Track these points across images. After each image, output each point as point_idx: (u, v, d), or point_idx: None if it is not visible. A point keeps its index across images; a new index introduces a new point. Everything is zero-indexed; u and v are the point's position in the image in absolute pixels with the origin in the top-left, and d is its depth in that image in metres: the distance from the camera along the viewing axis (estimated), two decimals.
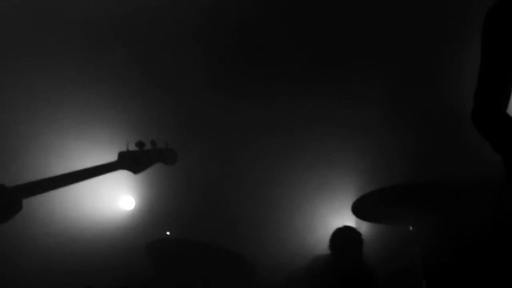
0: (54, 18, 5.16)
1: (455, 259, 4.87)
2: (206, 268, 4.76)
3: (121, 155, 3.59)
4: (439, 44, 5.23)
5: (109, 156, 3.65)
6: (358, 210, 4.89)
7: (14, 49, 5.13)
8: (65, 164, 4.39)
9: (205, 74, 5.44)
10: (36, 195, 3.39)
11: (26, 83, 5.20)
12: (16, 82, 5.16)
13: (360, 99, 5.42)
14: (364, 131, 5.41)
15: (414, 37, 5.20)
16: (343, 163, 5.51)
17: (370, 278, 4.26)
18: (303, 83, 5.52)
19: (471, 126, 2.46)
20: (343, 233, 4.84)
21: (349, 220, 5.12)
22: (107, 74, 5.32)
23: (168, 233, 5.24)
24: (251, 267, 4.77)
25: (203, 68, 5.40)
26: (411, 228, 4.71)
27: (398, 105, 5.41)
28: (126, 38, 5.33)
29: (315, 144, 5.56)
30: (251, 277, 4.80)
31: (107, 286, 2.34)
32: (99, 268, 4.68)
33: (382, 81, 5.37)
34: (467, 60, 4.75)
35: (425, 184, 4.63)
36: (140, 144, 3.58)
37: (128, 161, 3.58)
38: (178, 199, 5.30)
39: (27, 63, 5.17)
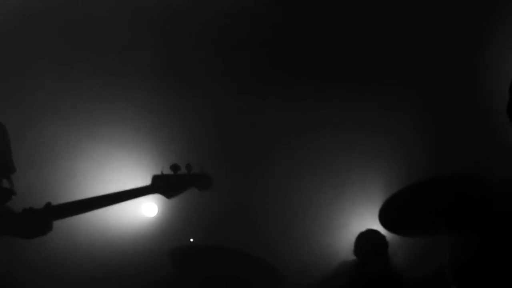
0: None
1: (485, 264, 4.79)
2: (231, 274, 4.73)
3: (155, 179, 3.54)
4: (468, 38, 5.17)
5: (144, 179, 3.63)
6: (385, 218, 4.81)
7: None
8: (98, 186, 4.49)
9: (238, 97, 5.51)
10: (67, 217, 3.42)
11: (55, 107, 5.30)
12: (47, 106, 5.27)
13: (387, 101, 5.38)
14: (388, 132, 5.38)
15: (440, 31, 5.14)
16: (368, 166, 5.47)
17: (398, 283, 4.19)
18: (326, 86, 5.50)
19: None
20: (367, 237, 4.78)
21: (375, 223, 5.03)
22: (140, 97, 5.39)
23: (191, 240, 5.22)
24: (277, 273, 4.73)
25: (236, 92, 5.50)
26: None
27: (426, 105, 5.36)
28: (156, 57, 5.39)
29: (339, 148, 5.54)
30: (277, 283, 4.76)
31: None
32: (121, 274, 4.69)
33: (410, 84, 5.34)
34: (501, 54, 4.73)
35: (456, 186, 4.50)
36: (174, 167, 3.52)
37: (162, 186, 3.53)
38: (201, 205, 5.25)
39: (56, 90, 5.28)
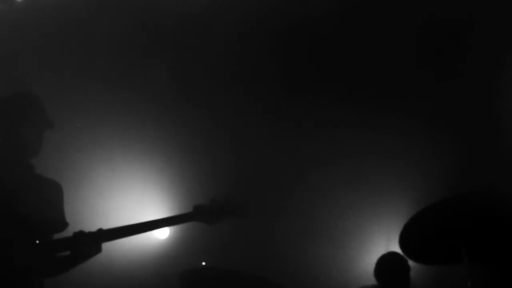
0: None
1: None
2: None
3: (197, 208, 3.77)
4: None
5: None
6: (405, 244, 4.71)
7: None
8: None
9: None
10: (115, 239, 3.65)
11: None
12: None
13: (406, 121, 5.38)
14: (407, 153, 5.36)
15: (470, 40, 5.17)
16: (388, 189, 5.45)
17: None
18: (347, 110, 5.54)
19: None
20: (388, 259, 4.69)
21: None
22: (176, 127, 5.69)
23: (203, 263, 5.16)
24: None
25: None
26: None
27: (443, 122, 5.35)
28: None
29: (363, 172, 5.56)
30: None
31: None
32: None
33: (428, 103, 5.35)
34: None
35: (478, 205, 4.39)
36: (214, 200, 3.79)
37: (204, 214, 3.78)
38: (213, 228, 5.22)
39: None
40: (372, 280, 4.76)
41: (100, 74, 5.65)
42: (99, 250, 3.62)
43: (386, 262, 4.73)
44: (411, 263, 4.68)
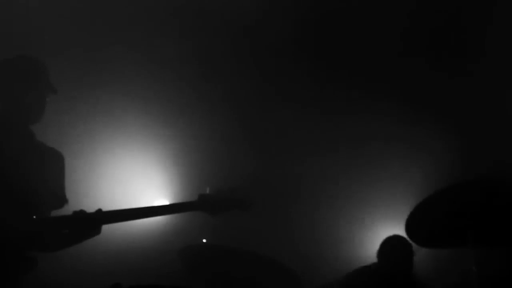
0: None
1: None
2: (244, 275, 4.66)
3: (201, 197, 3.72)
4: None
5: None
6: (411, 229, 4.71)
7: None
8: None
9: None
10: (115, 222, 3.62)
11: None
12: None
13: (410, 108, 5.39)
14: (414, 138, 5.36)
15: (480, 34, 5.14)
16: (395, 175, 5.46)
17: None
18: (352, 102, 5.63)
19: None
20: (393, 243, 4.70)
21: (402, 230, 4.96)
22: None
23: (204, 240, 5.16)
24: (293, 276, 4.66)
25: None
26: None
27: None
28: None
29: (366, 157, 5.58)
30: (293, 286, 4.70)
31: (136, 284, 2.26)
32: (131, 270, 4.69)
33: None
34: None
35: (484, 190, 4.38)
36: (219, 191, 3.74)
37: (208, 204, 3.71)
38: None
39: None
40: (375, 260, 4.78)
41: (108, 48, 5.61)
42: (98, 232, 3.59)
43: (390, 243, 4.73)
44: (415, 248, 4.68)
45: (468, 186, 4.33)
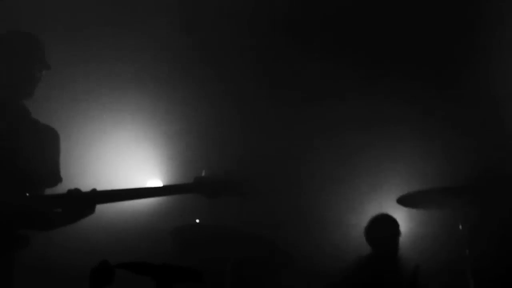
0: None
1: (505, 261, 4.73)
2: (237, 255, 4.69)
3: (197, 179, 3.71)
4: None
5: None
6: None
7: None
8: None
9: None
10: (110, 202, 3.64)
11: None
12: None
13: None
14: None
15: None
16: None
17: (414, 273, 4.13)
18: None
19: None
20: (378, 221, 4.78)
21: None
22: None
23: (197, 220, 5.18)
24: (285, 256, 4.69)
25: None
26: (460, 227, 4.55)
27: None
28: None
29: (358, 143, 5.61)
30: (285, 265, 4.74)
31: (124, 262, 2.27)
32: (123, 250, 4.70)
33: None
34: None
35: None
36: (216, 174, 3.73)
37: (204, 187, 3.70)
38: None
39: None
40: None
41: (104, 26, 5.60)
42: (92, 211, 3.60)
43: (378, 222, 4.80)
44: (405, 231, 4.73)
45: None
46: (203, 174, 3.74)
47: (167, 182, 5.51)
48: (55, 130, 3.92)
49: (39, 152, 3.75)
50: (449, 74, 5.61)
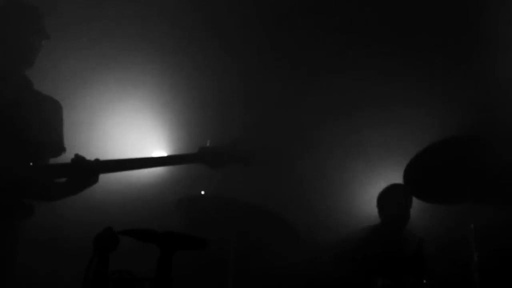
0: None
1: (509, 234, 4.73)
2: (242, 227, 4.72)
3: (202, 149, 3.75)
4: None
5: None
6: (410, 184, 4.72)
7: None
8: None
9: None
10: (113, 172, 3.68)
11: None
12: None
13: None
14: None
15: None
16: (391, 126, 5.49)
17: (418, 249, 4.13)
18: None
19: None
20: (393, 189, 4.85)
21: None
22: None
23: (203, 192, 5.18)
24: (291, 229, 4.70)
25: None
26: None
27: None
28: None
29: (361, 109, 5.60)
30: (290, 240, 4.76)
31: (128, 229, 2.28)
32: (127, 220, 4.71)
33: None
34: None
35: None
36: (220, 144, 3.77)
37: (208, 157, 3.73)
38: None
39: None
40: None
41: None
42: (96, 180, 3.62)
43: (392, 190, 4.86)
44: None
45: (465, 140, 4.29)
46: (207, 144, 3.77)
47: (171, 153, 5.50)
48: (57, 101, 3.95)
49: (42, 122, 3.77)
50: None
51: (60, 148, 3.84)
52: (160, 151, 5.70)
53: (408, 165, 4.52)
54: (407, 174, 4.55)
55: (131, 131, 5.69)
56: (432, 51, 5.66)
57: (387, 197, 4.93)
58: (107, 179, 3.82)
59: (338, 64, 5.77)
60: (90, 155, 3.65)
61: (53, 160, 3.82)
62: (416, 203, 5.05)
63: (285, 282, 4.92)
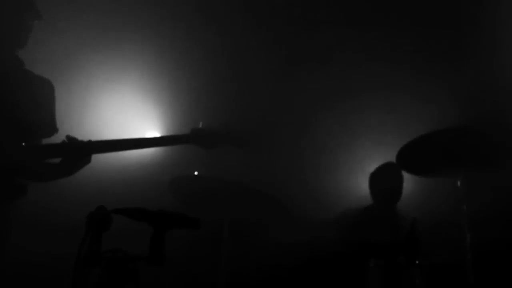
0: None
1: (503, 215, 4.74)
2: (235, 207, 4.73)
3: (194, 131, 3.76)
4: None
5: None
6: (403, 160, 4.74)
7: None
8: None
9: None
10: (106, 152, 3.69)
11: None
12: None
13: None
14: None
15: None
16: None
17: (411, 228, 4.15)
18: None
19: None
20: (385, 168, 4.89)
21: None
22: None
23: (196, 172, 5.18)
24: (283, 208, 4.71)
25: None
26: (458, 183, 4.54)
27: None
28: None
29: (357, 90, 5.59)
30: (284, 219, 4.79)
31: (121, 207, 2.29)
32: (120, 200, 4.72)
33: None
34: None
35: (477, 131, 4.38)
36: (212, 125, 3.78)
37: (201, 138, 3.75)
38: None
39: None
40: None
41: None
42: (88, 161, 3.63)
43: (384, 168, 4.92)
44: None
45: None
46: (200, 125, 3.78)
47: (164, 134, 5.50)
48: (49, 81, 3.94)
49: (33, 102, 3.76)
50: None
51: (52, 129, 3.84)
52: (153, 133, 5.70)
53: (402, 147, 4.56)
54: (401, 152, 4.59)
55: (124, 113, 5.68)
56: (433, 37, 5.67)
57: (379, 174, 4.96)
58: (100, 160, 3.82)
59: (336, 46, 5.76)
60: (82, 137, 3.65)
61: (45, 141, 3.81)
62: (408, 184, 5.09)
63: (278, 262, 4.94)
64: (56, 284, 4.00)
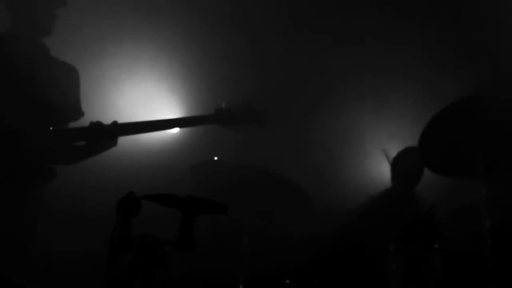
0: None
1: None
2: (256, 193, 4.76)
3: (218, 110, 3.82)
4: None
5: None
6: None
7: None
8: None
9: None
10: (132, 134, 3.79)
11: None
12: None
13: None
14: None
15: None
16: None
17: (430, 213, 4.17)
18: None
19: None
20: (408, 151, 4.90)
21: None
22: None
23: (216, 158, 5.22)
24: (304, 194, 4.73)
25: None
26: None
27: None
28: None
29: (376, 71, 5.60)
30: (305, 206, 4.81)
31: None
32: (143, 185, 4.76)
33: None
34: None
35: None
36: (236, 105, 3.86)
37: (224, 117, 3.82)
38: None
39: None
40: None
41: None
42: (114, 143, 3.73)
43: (408, 151, 4.93)
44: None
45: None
46: (223, 105, 3.83)
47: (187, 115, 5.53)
48: (74, 66, 4.01)
49: (59, 87, 3.83)
50: None
51: (78, 113, 3.91)
52: (177, 114, 5.71)
53: (421, 134, 4.52)
54: (421, 143, 4.55)
55: (146, 96, 5.72)
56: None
57: (402, 158, 4.97)
58: (124, 145, 3.89)
59: (350, 28, 5.76)
60: (108, 119, 3.74)
61: (72, 125, 3.87)
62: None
63: (297, 250, 4.95)
64: (89, 270, 4.04)
